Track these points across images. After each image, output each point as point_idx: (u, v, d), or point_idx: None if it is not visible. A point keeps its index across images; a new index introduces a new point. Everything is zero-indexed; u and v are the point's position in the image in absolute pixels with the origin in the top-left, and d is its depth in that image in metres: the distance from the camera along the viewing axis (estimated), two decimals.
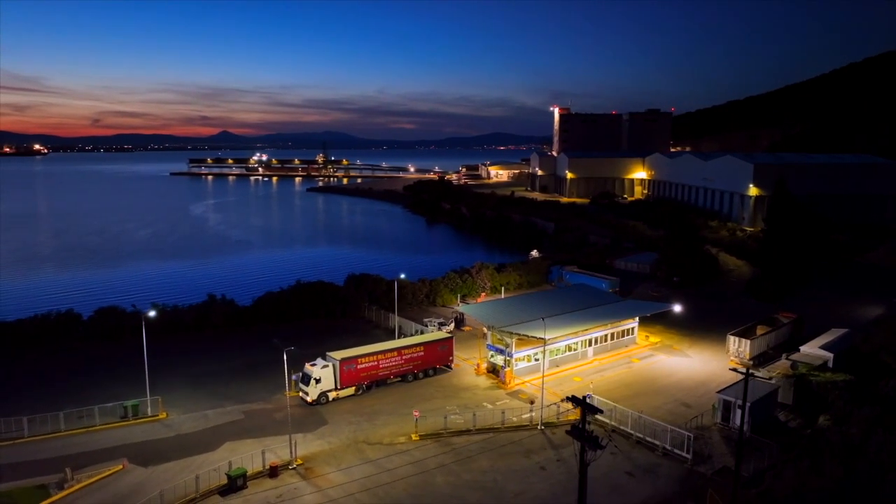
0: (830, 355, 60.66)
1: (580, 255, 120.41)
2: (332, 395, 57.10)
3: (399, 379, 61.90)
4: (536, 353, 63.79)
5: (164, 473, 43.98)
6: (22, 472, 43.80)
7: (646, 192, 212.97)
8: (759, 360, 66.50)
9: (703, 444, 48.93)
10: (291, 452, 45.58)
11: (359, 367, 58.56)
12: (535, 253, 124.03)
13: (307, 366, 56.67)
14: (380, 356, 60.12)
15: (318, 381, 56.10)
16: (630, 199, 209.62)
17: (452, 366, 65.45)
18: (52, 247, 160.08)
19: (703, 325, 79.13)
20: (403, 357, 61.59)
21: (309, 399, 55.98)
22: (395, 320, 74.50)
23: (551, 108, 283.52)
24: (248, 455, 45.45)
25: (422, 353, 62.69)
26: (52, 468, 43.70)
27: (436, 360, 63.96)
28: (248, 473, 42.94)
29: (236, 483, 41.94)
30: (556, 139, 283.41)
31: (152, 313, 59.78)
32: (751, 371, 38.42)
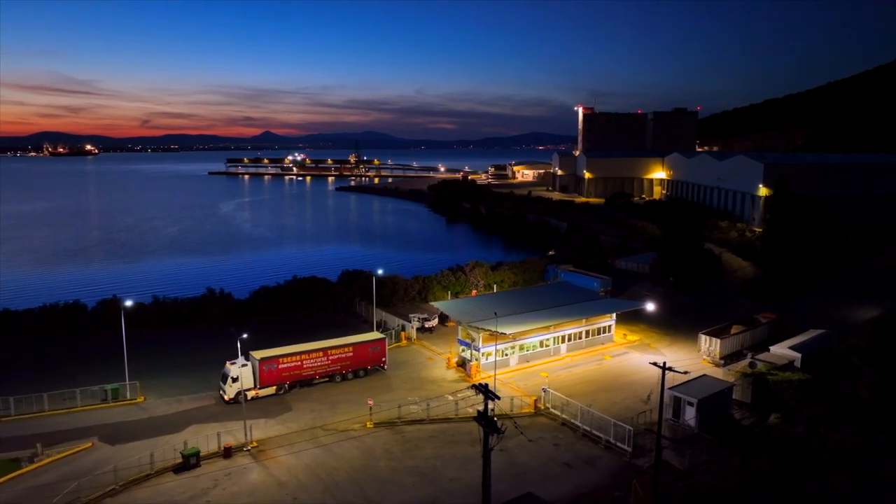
0: (798, 356, 60.57)
1: (587, 254, 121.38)
2: (251, 394, 56.31)
3: (326, 379, 61.60)
4: (506, 348, 65.50)
5: (129, 451, 47.25)
6: (1, 446, 47.65)
7: (664, 192, 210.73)
8: (731, 359, 66.72)
9: (649, 439, 49.79)
10: (246, 435, 48.48)
11: (280, 366, 58.53)
12: (552, 253, 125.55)
13: (227, 364, 56.30)
14: (304, 356, 59.91)
15: (234, 379, 55.86)
16: (648, 199, 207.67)
17: (385, 367, 64.76)
18: (83, 242, 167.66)
19: (688, 324, 79.10)
20: (330, 357, 61.37)
21: (226, 398, 55.57)
22: (374, 315, 77.07)
23: (575, 108, 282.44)
24: (207, 437, 48.41)
25: (350, 354, 62.35)
26: (29, 444, 47.29)
27: (366, 361, 63.57)
28: (201, 453, 45.93)
29: (189, 461, 44.96)
30: (580, 139, 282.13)
31: (129, 303, 63.44)
32: (669, 366, 39.40)
